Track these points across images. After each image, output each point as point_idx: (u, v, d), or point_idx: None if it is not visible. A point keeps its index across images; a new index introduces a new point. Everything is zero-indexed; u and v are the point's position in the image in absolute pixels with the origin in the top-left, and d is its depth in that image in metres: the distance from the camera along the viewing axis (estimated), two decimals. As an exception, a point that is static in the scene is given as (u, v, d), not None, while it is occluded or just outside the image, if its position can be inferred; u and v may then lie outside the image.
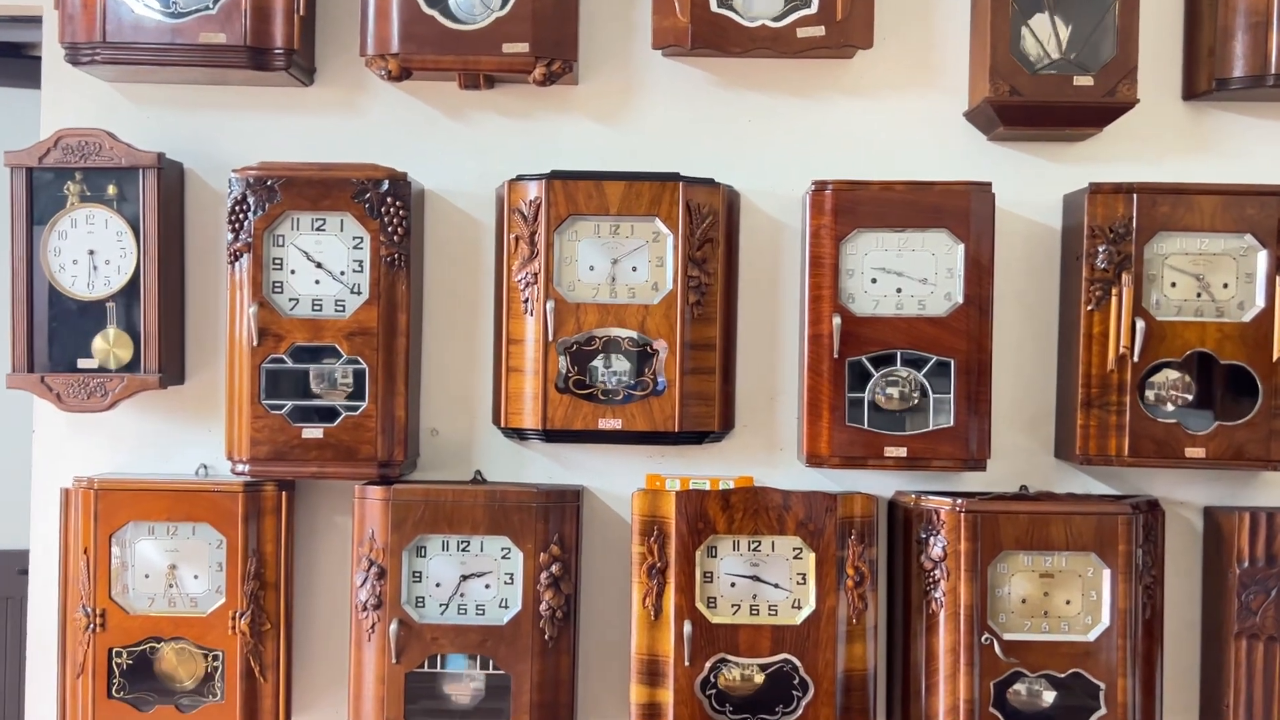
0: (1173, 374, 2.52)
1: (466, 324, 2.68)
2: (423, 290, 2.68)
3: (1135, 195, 2.48)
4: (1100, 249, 2.49)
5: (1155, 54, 2.64)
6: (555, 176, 2.50)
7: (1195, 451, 2.48)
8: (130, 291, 2.59)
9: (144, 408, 2.70)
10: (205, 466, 2.69)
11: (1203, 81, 2.61)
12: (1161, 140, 2.67)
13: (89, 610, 2.54)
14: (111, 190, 2.59)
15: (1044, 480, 2.67)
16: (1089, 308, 2.50)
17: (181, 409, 2.71)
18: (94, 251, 2.59)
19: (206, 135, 2.69)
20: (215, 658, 2.56)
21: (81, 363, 2.60)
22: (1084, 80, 2.49)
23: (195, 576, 2.56)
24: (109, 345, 2.60)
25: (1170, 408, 2.53)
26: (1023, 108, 2.51)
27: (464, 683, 2.55)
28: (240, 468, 2.54)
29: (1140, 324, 2.46)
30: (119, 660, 2.56)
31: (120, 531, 2.55)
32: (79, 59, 2.56)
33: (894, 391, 2.51)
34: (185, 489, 2.55)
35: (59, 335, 2.60)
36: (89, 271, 2.60)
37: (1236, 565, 2.54)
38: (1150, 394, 2.53)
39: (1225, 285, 2.51)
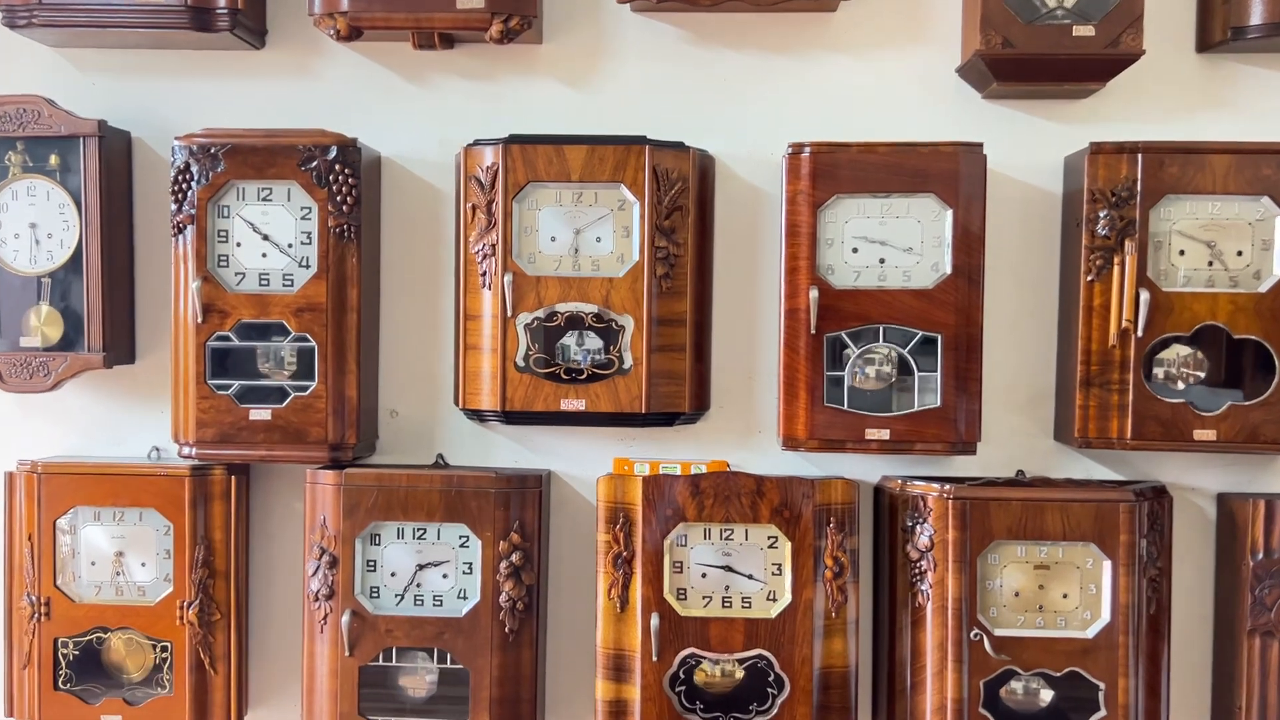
0: (1183, 350, 2.33)
1: (427, 299, 2.56)
2: (379, 264, 2.56)
3: (1140, 155, 2.30)
4: (1101, 214, 2.31)
5: (1164, 1, 2.43)
6: (513, 141, 2.37)
7: (1205, 434, 2.30)
8: (73, 266, 2.48)
9: (93, 388, 2.61)
10: (157, 449, 2.59)
11: (1217, 30, 2.41)
12: (1171, 95, 2.48)
13: (34, 599, 2.45)
14: (54, 161, 2.48)
15: (1043, 465, 2.52)
16: (1089, 278, 2.33)
17: (132, 389, 2.61)
18: (36, 225, 2.49)
19: (155, 102, 2.58)
20: (164, 649, 2.47)
21: (24, 341, 2.49)
22: (1084, 30, 2.30)
23: (143, 564, 2.47)
24: (39, 323, 2.49)
25: (1180, 386, 2.34)
26: (1017, 61, 2.33)
27: (421, 676, 2.42)
28: (187, 450, 2.43)
29: (1145, 295, 2.29)
30: (65, 651, 2.47)
31: (65, 517, 2.46)
32: (15, 21, 2.44)
33: (876, 370, 2.37)
34: (131, 473, 2.45)
35: (1, 312, 2.49)
36: (31, 246, 2.49)
37: (1250, 557, 2.36)
38: (1159, 371, 2.35)
39: (1239, 253, 2.32)
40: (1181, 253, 2.32)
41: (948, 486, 2.32)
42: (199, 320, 2.38)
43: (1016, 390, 2.52)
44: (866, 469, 2.51)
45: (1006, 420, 2.51)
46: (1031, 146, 2.48)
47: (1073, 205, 2.42)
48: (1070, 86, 2.41)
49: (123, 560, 2.46)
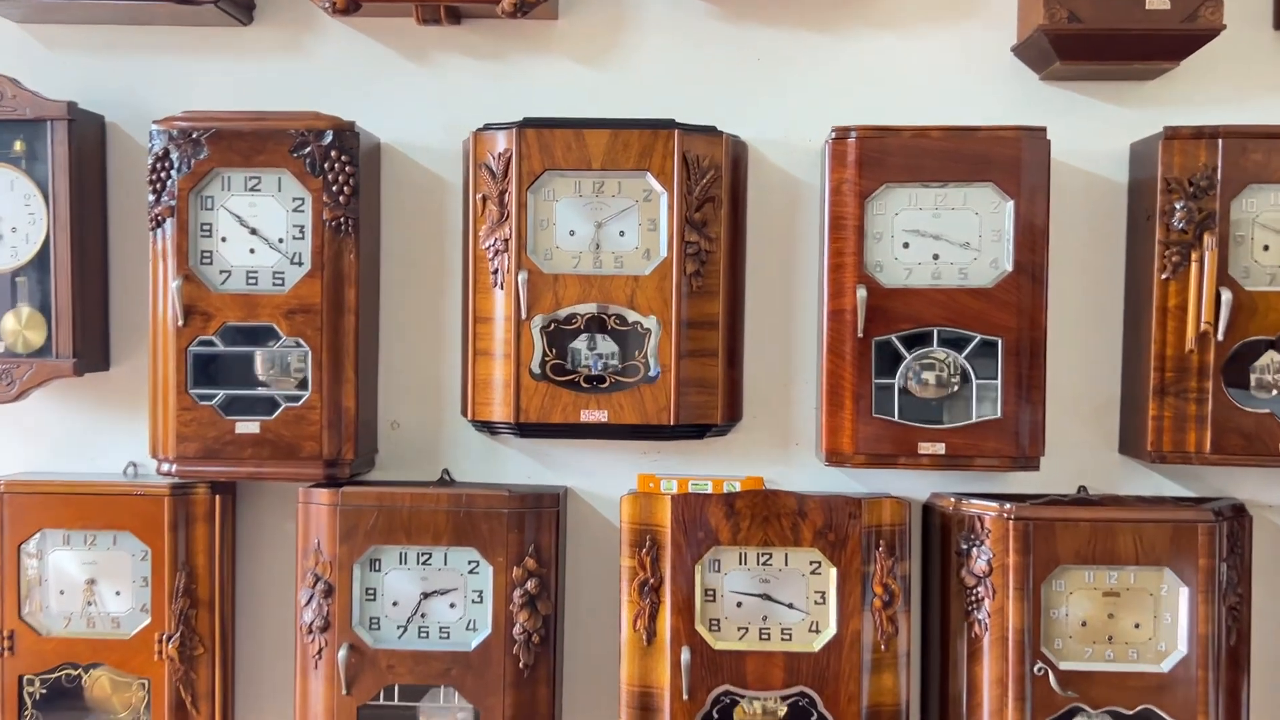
0: (1277, 356, 2.14)
1: (432, 300, 2.38)
2: (379, 261, 2.38)
3: (1220, 141, 2.13)
4: (1177, 206, 2.13)
5: (1241, -27, 2.27)
6: (528, 125, 2.19)
7: (1292, 447, 2.12)
8: (40, 264, 2.27)
9: (63, 398, 2.41)
10: (134, 465, 2.40)
11: (1300, 5, 2.22)
12: (1246, 76, 2.30)
13: (-4, 632, 2.24)
14: (18, 147, 2.27)
15: (1107, 480, 2.34)
16: (1163, 276, 2.16)
17: (107, 399, 2.42)
18: (-1, 218, 2.27)
19: (131, 83, 2.39)
20: (141, 686, 2.26)
21: (-7, 346, 2.28)
22: (1159, 3, 2.11)
23: (117, 593, 2.28)
24: (20, 326, 2.28)
25: (1275, 394, 2.14)
26: (1084, 37, 2.15)
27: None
28: (166, 467, 2.25)
29: (1226, 295, 2.12)
30: (31, 689, 2.26)
31: (31, 541, 2.26)
32: (-24, -6, 2.22)
33: (930, 376, 2.19)
34: (104, 492, 2.26)
35: (-40, 315, 2.29)
36: (-7, 241, 2.27)
37: (1340, 582, 2.18)
38: (1252, 378, 2.16)
39: (1330, 248, 2.15)
40: (1266, 248, 2.15)
41: (1008, 505, 2.15)
42: (180, 323, 2.20)
43: (1078, 399, 2.34)
44: (913, 485, 2.34)
45: (1067, 431, 2.33)
46: (1094, 132, 2.32)
47: (1141, 196, 2.24)
48: (1140, 66, 2.23)
49: (95, 589, 2.27)
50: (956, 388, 2.18)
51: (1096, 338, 2.32)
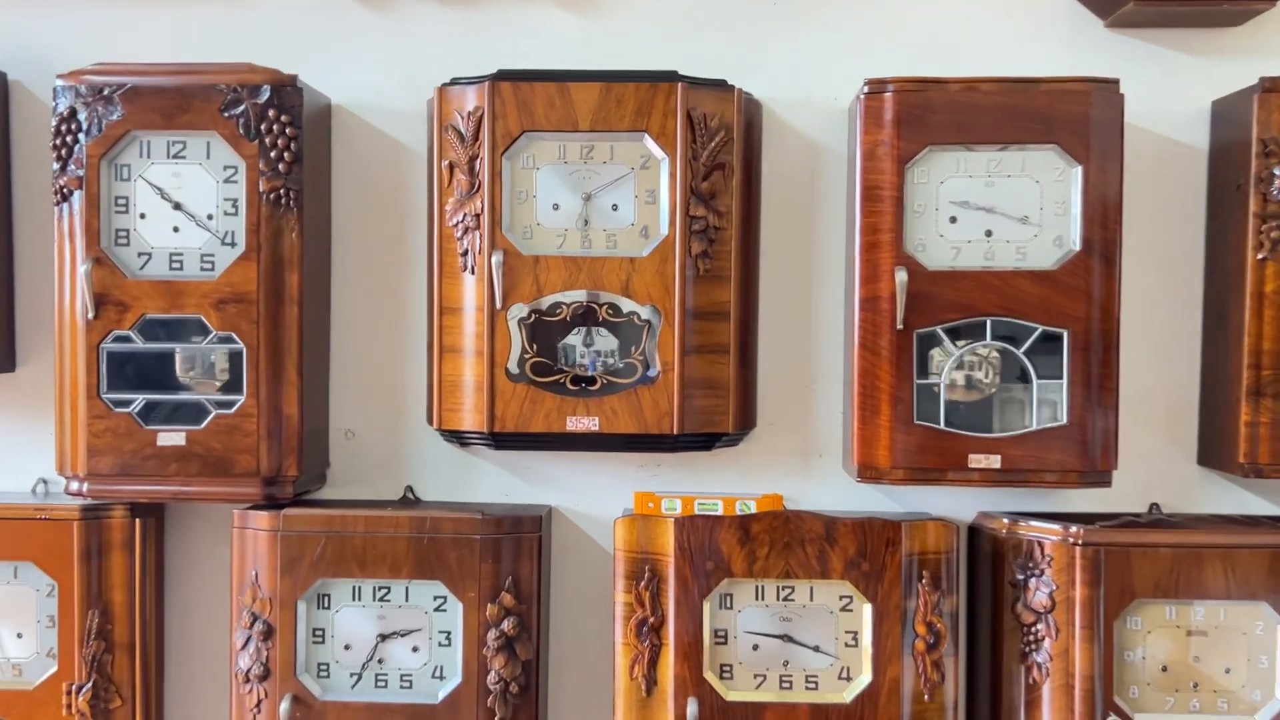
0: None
1: (390, 287, 2.14)
2: (329, 241, 2.13)
3: None
4: (1277, 172, 1.89)
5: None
6: (503, 78, 1.95)
7: None
8: (-73, 246, 1.96)
9: None
10: (45, 483, 2.14)
11: None
12: (1351, 21, 2.06)
13: (-127, 683, 1.97)
14: (-99, 109, 1.98)
15: (1183, 497, 2.09)
16: (1259, 256, 1.91)
17: (11, 405, 2.15)
18: (-122, 192, 1.99)
19: (38, 34, 2.13)
20: None
21: None
22: (1255, -71, 1.84)
23: (18, 635, 2.03)
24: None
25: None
26: (1165, -27, 1.89)
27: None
28: (76, 486, 1.99)
29: None
30: (-83, 751, 1.96)
31: None
32: None
33: (982, 376, 1.95)
34: (1, 515, 1.99)
35: None
36: (-128, 219, 1.99)
37: None
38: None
39: None
40: (1382, 221, 1.90)
41: (1074, 529, 1.89)
42: (90, 315, 1.95)
43: (1147, 402, 2.08)
44: (953, 504, 2.08)
45: (1135, 440, 2.06)
46: (1167, 88, 2.07)
47: (1228, 162, 1.98)
48: (1227, 7, 1.96)
49: (-8, 631, 2.02)
50: (1013, 389, 1.94)
51: (1168, 330, 2.07)
